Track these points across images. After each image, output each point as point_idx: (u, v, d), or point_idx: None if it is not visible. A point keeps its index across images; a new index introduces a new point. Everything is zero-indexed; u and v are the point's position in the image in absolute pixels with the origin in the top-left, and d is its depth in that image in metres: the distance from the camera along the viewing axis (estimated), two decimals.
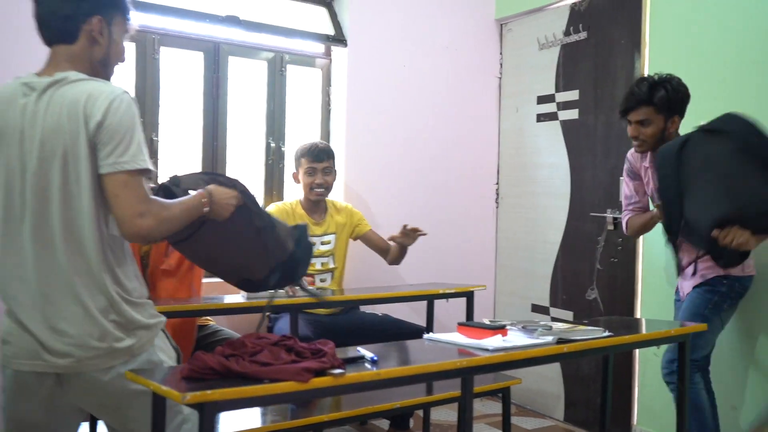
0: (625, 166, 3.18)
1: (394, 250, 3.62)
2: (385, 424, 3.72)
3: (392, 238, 3.50)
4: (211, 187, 1.84)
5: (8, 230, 1.70)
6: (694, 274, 2.84)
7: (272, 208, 3.49)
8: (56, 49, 1.75)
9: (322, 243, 3.52)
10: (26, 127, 1.65)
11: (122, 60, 1.87)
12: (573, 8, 3.98)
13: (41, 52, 1.78)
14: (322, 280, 3.51)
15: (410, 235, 3.44)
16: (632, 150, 3.11)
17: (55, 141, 1.63)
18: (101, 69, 1.79)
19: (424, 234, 3.47)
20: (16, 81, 1.72)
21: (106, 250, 1.69)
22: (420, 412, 3.69)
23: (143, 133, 1.72)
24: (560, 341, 2.07)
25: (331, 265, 3.55)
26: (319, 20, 4.01)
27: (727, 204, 2.51)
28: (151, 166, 1.69)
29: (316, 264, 3.48)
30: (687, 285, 2.90)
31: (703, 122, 2.72)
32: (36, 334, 1.66)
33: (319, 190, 3.48)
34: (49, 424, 1.77)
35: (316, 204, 3.55)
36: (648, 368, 3.54)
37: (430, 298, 3.48)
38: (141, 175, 1.66)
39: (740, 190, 2.51)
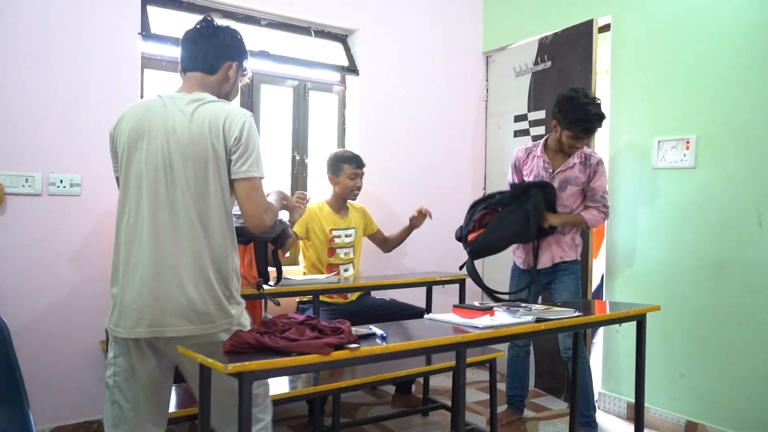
0: (513, 161, 3.28)
1: (394, 239, 3.70)
2: (391, 389, 3.71)
3: (411, 218, 3.61)
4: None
5: (148, 212, 1.73)
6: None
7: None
8: (194, 75, 1.88)
9: (346, 236, 3.49)
10: (170, 131, 1.74)
11: (235, 97, 2.01)
12: (541, 42, 4.00)
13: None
14: (345, 270, 3.47)
15: (423, 215, 3.59)
16: (522, 146, 3.27)
17: (198, 146, 1.73)
18: (223, 99, 1.89)
19: (431, 218, 3.60)
20: (156, 96, 1.84)
21: (226, 236, 1.79)
22: (421, 380, 3.70)
23: None
24: (538, 320, 2.06)
25: (352, 255, 3.52)
26: (335, 54, 4.01)
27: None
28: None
29: (341, 254, 3.45)
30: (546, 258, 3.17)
31: (660, 137, 3.13)
32: (166, 304, 1.71)
33: (357, 192, 3.48)
34: (163, 382, 1.86)
35: (342, 203, 3.51)
36: (611, 342, 3.54)
37: (429, 285, 3.51)
38: (261, 181, 1.80)
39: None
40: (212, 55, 1.89)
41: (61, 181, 2.98)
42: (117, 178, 1.87)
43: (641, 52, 3.39)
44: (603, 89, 3.66)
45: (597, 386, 3.70)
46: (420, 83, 4.22)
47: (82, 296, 3.05)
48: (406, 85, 4.16)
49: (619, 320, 2.38)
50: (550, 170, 3.14)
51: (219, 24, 1.95)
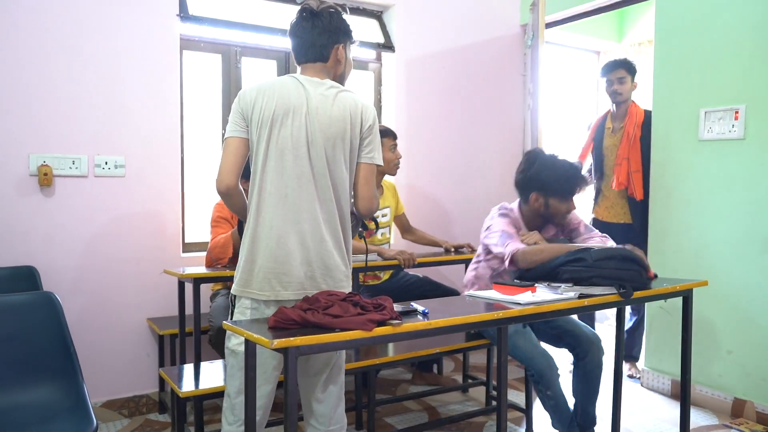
0: (502, 213, 2.64)
1: (420, 237, 3.60)
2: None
3: (447, 247, 3.49)
4: None
5: (294, 185, 1.84)
6: None
7: None
8: (311, 65, 1.95)
9: (382, 215, 3.43)
10: (313, 111, 1.86)
11: (350, 73, 2.07)
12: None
13: None
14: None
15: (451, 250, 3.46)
16: (506, 213, 2.66)
17: (339, 128, 1.87)
18: (339, 81, 2.00)
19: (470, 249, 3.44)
20: (288, 76, 1.92)
21: (347, 210, 1.93)
22: (459, 356, 3.70)
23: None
24: (581, 296, 2.03)
25: (388, 235, 3.50)
26: (371, 31, 3.98)
27: None
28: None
29: (378, 234, 3.41)
30: None
31: None
32: (315, 267, 1.84)
33: (398, 164, 3.34)
34: None
35: (379, 181, 3.36)
36: (655, 319, 3.47)
37: (467, 262, 3.45)
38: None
39: None
40: (318, 44, 1.94)
41: (106, 163, 3.05)
42: (229, 138, 1.90)
43: (686, 19, 3.27)
44: (646, 59, 3.55)
45: (641, 363, 3.66)
46: (457, 59, 4.16)
47: (129, 274, 3.13)
48: (443, 61, 4.11)
49: (665, 296, 2.32)
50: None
51: (316, 9, 1.95)
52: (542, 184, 2.52)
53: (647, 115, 3.56)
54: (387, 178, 3.48)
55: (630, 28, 5.37)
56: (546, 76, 3.96)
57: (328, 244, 1.85)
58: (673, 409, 3.15)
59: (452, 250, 3.45)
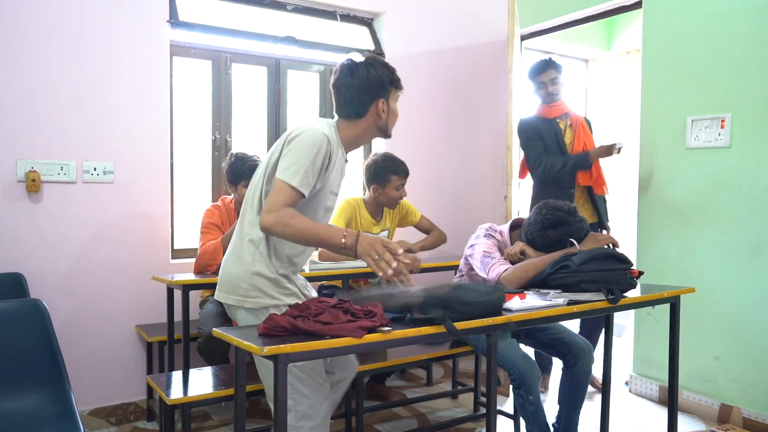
0: (487, 234, 2.60)
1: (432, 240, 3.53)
2: (422, 372, 3.72)
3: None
4: (362, 234, 1.83)
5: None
6: None
7: (343, 203, 3.27)
8: (343, 122, 1.99)
9: None
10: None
11: (394, 122, 2.07)
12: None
13: None
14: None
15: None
16: (495, 235, 2.60)
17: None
18: (383, 133, 2.03)
19: None
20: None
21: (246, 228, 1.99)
22: (449, 362, 3.71)
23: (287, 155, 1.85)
24: (570, 302, 2.04)
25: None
26: (361, 38, 4.00)
27: None
28: (302, 189, 1.80)
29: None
30: None
31: None
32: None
33: (400, 202, 3.32)
34: None
35: (379, 209, 3.35)
36: (643, 325, 3.50)
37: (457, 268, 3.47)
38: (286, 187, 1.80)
39: None
40: (356, 101, 1.96)
41: (95, 169, 3.04)
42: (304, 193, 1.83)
43: (674, 28, 3.31)
44: (634, 68, 3.59)
45: (628, 369, 3.68)
46: (446, 65, 4.18)
47: (118, 281, 3.11)
48: (433, 67, 4.13)
49: (653, 303, 2.34)
50: None
51: (357, 62, 1.96)
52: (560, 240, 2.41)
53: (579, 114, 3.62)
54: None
55: (618, 37, 5.43)
56: (521, 84, 3.97)
57: (227, 256, 1.99)
58: (661, 414, 3.16)
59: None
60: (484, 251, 2.48)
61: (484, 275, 2.43)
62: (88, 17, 3.01)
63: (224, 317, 2.88)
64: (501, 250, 2.54)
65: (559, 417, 2.61)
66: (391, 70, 2.02)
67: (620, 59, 5.41)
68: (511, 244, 2.59)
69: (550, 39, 4.55)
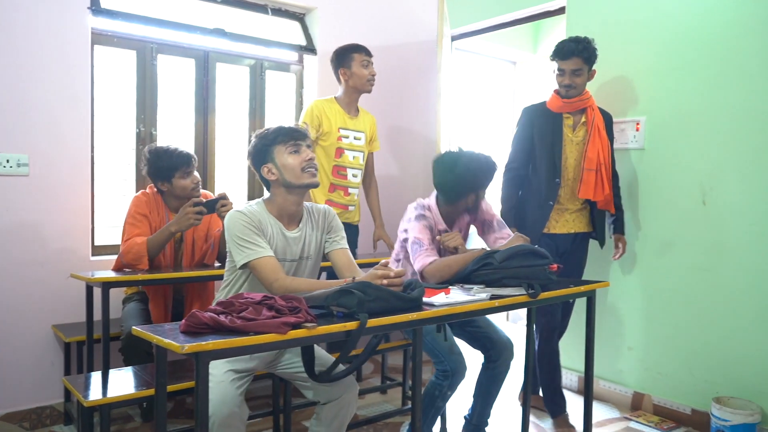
0: (419, 215, 2.56)
1: (371, 202, 3.56)
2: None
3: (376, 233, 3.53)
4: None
5: None
6: None
7: (309, 106, 3.24)
8: None
9: (356, 138, 3.29)
10: None
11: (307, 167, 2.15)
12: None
13: None
14: (354, 176, 3.31)
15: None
16: (425, 213, 2.59)
17: None
18: (295, 188, 2.14)
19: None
20: None
21: None
22: (378, 357, 3.74)
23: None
24: (493, 297, 2.10)
25: (361, 161, 3.34)
26: (293, 32, 3.96)
27: None
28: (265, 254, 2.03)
29: (349, 156, 3.27)
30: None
31: None
32: None
33: (373, 81, 3.26)
34: None
35: (353, 101, 3.30)
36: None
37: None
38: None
39: None
40: (258, 176, 2.19)
41: (8, 161, 2.88)
42: None
43: (594, 34, 3.42)
44: None
45: None
46: (378, 62, 4.16)
47: (33, 279, 2.97)
48: None
49: (570, 296, 2.44)
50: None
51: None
52: (474, 181, 2.53)
53: (603, 113, 3.09)
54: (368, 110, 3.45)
55: (544, 40, 5.61)
56: (451, 84, 4.04)
57: None
58: (580, 403, 3.30)
59: (377, 240, 3.49)
60: (415, 238, 2.50)
61: (413, 264, 2.47)
62: (2, 3, 2.84)
63: (147, 315, 2.79)
64: (432, 229, 2.56)
65: (472, 410, 2.69)
66: (267, 135, 2.13)
67: (546, 62, 5.59)
68: (440, 213, 2.63)
69: (480, 40, 4.66)
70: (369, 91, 3.33)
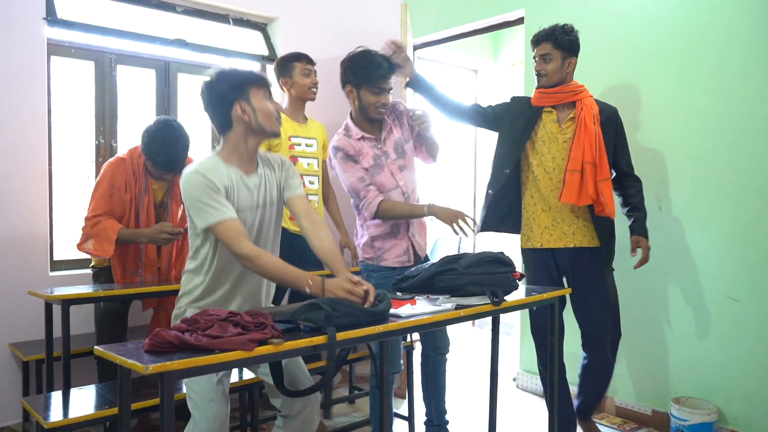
0: (339, 155, 2.62)
1: (331, 210, 3.54)
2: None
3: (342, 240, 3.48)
4: (326, 279, 1.91)
5: None
6: None
7: None
8: (223, 138, 2.04)
9: (307, 145, 3.26)
10: None
11: (274, 125, 2.03)
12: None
13: None
14: (311, 182, 3.27)
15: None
16: (339, 138, 2.66)
17: None
18: (261, 134, 2.03)
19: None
20: None
21: None
22: (346, 368, 3.73)
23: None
24: (458, 307, 2.12)
25: (316, 168, 3.30)
26: (255, 42, 3.94)
27: None
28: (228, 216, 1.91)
29: (303, 163, 3.23)
30: None
31: None
32: None
33: (315, 89, 3.24)
34: None
35: (299, 109, 3.27)
36: (527, 324, 3.69)
37: (357, 273, 3.48)
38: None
39: None
40: (216, 114, 1.99)
41: None
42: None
43: None
44: (519, 78, 3.78)
45: (516, 366, 3.86)
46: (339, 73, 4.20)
47: None
48: (328, 74, 4.12)
49: (533, 304, 2.48)
50: (378, 146, 2.68)
51: (206, 81, 1.99)
52: (350, 74, 2.61)
53: (603, 107, 2.80)
54: (310, 115, 3.42)
55: (504, 49, 5.71)
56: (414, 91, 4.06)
57: None
58: (545, 408, 3.36)
59: (343, 248, 3.46)
60: (349, 188, 2.60)
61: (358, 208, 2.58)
62: None
63: (122, 320, 2.78)
64: (356, 157, 2.61)
65: (428, 412, 2.81)
66: (245, 73, 2.00)
67: (506, 70, 5.69)
68: (357, 126, 2.67)
69: (441, 49, 4.71)
70: (312, 99, 3.31)
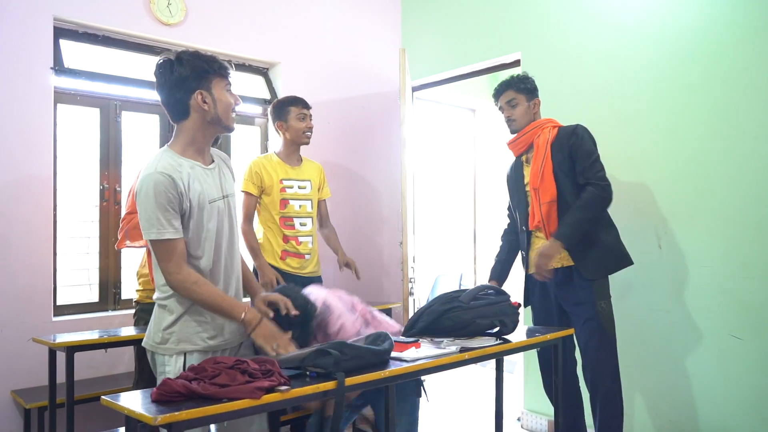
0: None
1: (329, 238, 3.53)
2: None
3: (339, 258, 3.47)
4: (264, 320, 1.92)
5: None
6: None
7: (248, 165, 3.25)
8: (176, 127, 1.95)
9: (300, 187, 3.29)
10: None
11: (229, 117, 1.98)
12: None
13: None
14: (302, 224, 3.28)
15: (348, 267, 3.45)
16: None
17: None
18: (217, 127, 1.97)
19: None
20: None
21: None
22: None
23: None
24: (463, 350, 2.13)
25: (309, 210, 3.32)
26: (257, 86, 4.03)
27: None
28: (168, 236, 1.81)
29: (295, 206, 3.26)
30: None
31: None
32: None
33: (309, 133, 3.30)
34: None
35: (293, 152, 3.33)
36: (532, 362, 3.68)
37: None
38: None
39: None
40: (172, 99, 1.87)
41: None
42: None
43: (548, 86, 3.60)
44: None
45: (520, 406, 3.84)
46: (341, 114, 4.29)
47: None
48: (328, 116, 4.22)
49: (539, 345, 2.49)
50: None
51: (165, 60, 1.87)
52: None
53: (562, 130, 2.84)
54: (311, 156, 3.47)
55: None
56: (413, 132, 4.13)
57: None
58: None
59: (343, 266, 3.46)
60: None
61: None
62: None
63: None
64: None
65: None
66: (209, 60, 1.90)
67: None
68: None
69: (439, 89, 4.80)
70: (306, 143, 3.36)
